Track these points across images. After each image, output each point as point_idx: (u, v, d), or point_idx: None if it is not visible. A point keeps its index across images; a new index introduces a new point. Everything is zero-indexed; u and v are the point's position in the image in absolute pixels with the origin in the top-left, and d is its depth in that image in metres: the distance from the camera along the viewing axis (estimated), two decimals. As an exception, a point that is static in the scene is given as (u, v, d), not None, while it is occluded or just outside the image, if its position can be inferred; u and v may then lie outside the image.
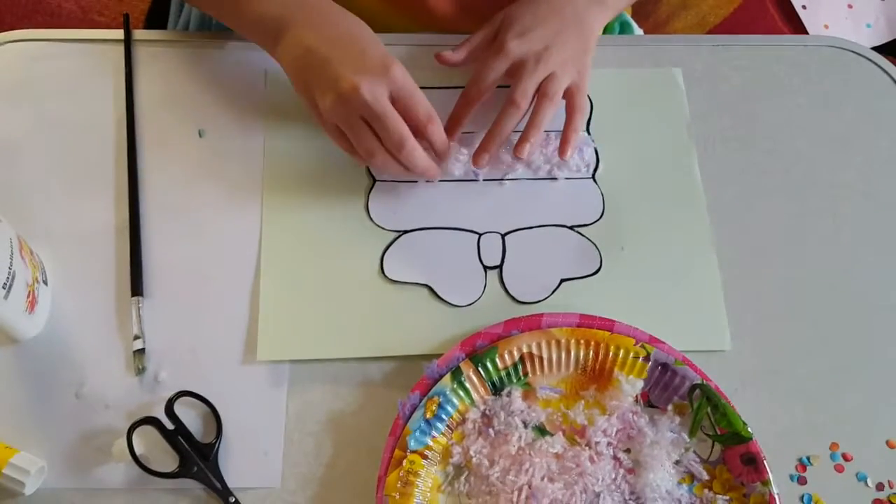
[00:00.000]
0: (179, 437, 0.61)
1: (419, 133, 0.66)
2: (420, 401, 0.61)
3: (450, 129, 0.71)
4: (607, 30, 0.88)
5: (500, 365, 0.63)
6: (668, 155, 0.75)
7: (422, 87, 0.65)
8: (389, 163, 0.66)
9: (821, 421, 0.66)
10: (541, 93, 0.69)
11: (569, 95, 0.71)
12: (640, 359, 0.64)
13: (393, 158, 0.66)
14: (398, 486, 0.59)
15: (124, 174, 0.71)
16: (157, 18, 0.96)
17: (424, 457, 0.60)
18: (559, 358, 0.64)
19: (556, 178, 0.73)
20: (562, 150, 0.71)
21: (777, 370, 0.67)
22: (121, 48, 0.76)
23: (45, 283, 0.65)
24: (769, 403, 0.66)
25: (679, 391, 0.63)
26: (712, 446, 0.62)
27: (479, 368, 0.63)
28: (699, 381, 0.63)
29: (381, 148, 0.65)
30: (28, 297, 0.61)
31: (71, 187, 0.70)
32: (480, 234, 0.70)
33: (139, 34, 0.77)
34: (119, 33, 0.77)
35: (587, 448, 0.62)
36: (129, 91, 0.74)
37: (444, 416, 0.62)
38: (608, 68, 0.78)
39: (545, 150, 0.73)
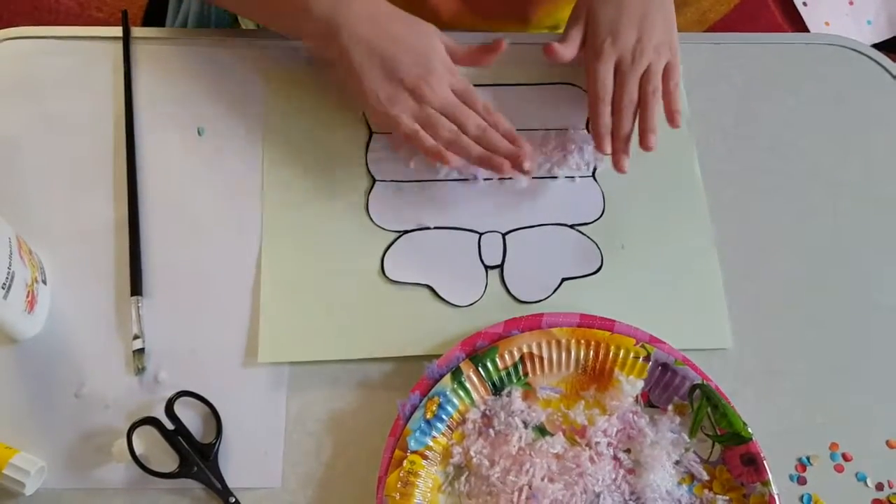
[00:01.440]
0: (179, 438, 0.61)
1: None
2: (420, 401, 0.61)
3: (612, 140, 0.71)
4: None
5: (500, 365, 0.63)
6: (669, 153, 0.75)
7: None
8: (467, 152, 0.67)
9: (821, 421, 0.66)
10: (643, 93, 0.70)
11: (665, 74, 0.71)
12: (641, 359, 0.64)
13: (467, 151, 0.67)
14: (398, 486, 0.59)
15: (123, 172, 0.70)
16: (155, 15, 0.95)
17: (425, 457, 0.60)
18: (559, 358, 0.64)
19: (556, 177, 0.73)
20: (672, 121, 0.70)
21: (777, 370, 0.67)
22: (119, 45, 0.76)
23: (45, 282, 0.65)
24: (769, 403, 0.66)
25: (679, 391, 0.63)
26: (712, 446, 0.62)
27: (480, 368, 0.63)
28: (699, 382, 0.63)
29: (457, 136, 0.67)
30: (27, 296, 0.61)
31: (70, 186, 0.70)
32: (481, 234, 0.70)
33: (138, 31, 0.77)
34: (117, 30, 0.76)
35: (587, 448, 0.62)
36: (127, 88, 0.74)
37: (444, 417, 0.62)
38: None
39: (545, 148, 0.73)
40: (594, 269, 0.70)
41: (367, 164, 0.72)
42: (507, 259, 0.69)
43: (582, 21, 0.73)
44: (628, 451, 0.63)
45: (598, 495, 0.60)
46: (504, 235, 0.70)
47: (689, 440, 0.62)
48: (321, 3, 0.66)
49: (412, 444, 0.60)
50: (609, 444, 0.62)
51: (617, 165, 0.69)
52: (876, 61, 0.82)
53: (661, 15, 0.72)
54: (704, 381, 0.63)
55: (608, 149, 0.69)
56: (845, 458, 0.65)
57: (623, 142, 0.70)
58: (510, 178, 0.72)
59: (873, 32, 1.33)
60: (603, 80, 0.70)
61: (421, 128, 0.66)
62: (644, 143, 0.69)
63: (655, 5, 0.72)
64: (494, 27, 0.83)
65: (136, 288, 0.66)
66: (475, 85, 0.70)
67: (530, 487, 0.60)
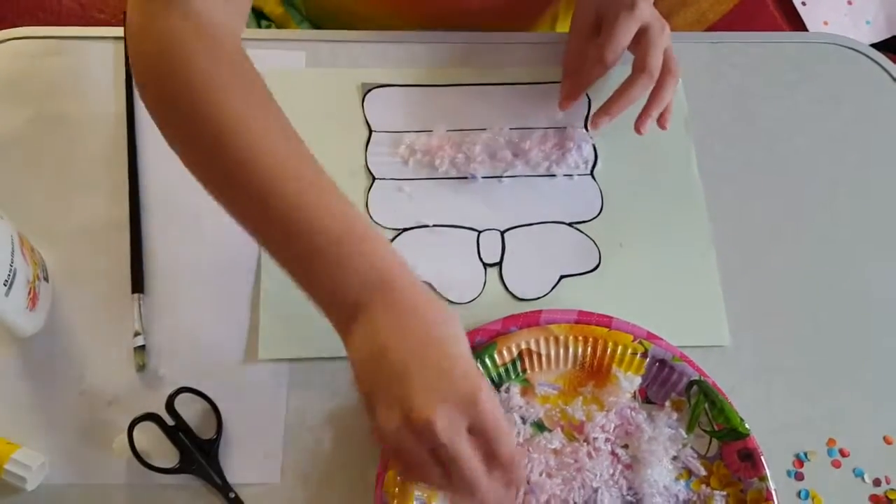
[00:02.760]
0: (180, 434, 0.61)
1: (495, 469, 0.50)
2: (419, 397, 0.62)
3: (574, 90, 0.70)
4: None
5: (498, 361, 0.64)
6: (667, 151, 0.75)
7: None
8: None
9: (818, 417, 0.66)
10: (666, 68, 0.68)
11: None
12: (638, 355, 0.64)
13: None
14: (397, 482, 0.59)
15: (124, 171, 0.71)
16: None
17: (423, 453, 0.60)
18: (557, 354, 0.64)
19: (554, 175, 0.73)
20: (663, 119, 0.70)
21: (774, 366, 0.68)
22: (121, 45, 0.76)
23: (46, 279, 0.66)
24: (767, 399, 0.66)
25: (677, 387, 0.64)
26: (710, 442, 0.63)
27: (478, 365, 0.63)
28: (697, 378, 0.63)
29: (448, 484, 0.50)
30: (29, 294, 0.62)
31: (72, 184, 0.70)
32: (480, 232, 0.70)
33: (139, 31, 0.77)
34: (119, 30, 0.76)
35: (585, 444, 0.62)
36: (128, 88, 0.74)
37: (443, 413, 0.62)
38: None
39: (544, 146, 0.73)
40: (592, 267, 0.70)
41: (366, 162, 0.72)
42: (505, 256, 0.70)
43: (590, 9, 0.72)
44: (626, 446, 0.63)
45: (595, 490, 0.61)
46: (503, 233, 0.71)
47: (686, 436, 0.63)
48: (346, 283, 0.51)
49: (411, 440, 0.60)
50: (607, 440, 0.62)
51: (593, 122, 0.70)
52: (875, 61, 0.82)
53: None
54: (702, 378, 0.63)
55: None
56: (843, 453, 0.65)
57: (619, 107, 0.69)
58: (509, 177, 0.73)
59: (872, 32, 1.33)
60: (621, 37, 0.67)
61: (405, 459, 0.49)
62: (639, 124, 0.69)
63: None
64: (495, 25, 0.83)
65: (138, 285, 0.66)
66: (475, 84, 0.70)
67: (528, 483, 0.60)
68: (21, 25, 0.77)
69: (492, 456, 0.49)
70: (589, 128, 0.71)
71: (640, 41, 0.68)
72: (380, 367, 0.49)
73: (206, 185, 0.56)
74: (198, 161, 0.56)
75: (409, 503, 0.59)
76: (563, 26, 0.91)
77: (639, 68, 0.68)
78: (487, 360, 0.63)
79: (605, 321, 0.65)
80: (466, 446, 0.48)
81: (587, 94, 0.76)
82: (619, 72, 0.70)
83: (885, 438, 0.66)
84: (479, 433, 0.48)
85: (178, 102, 0.54)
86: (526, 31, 0.88)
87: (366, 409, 0.50)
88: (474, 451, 0.48)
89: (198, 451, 0.61)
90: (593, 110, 0.76)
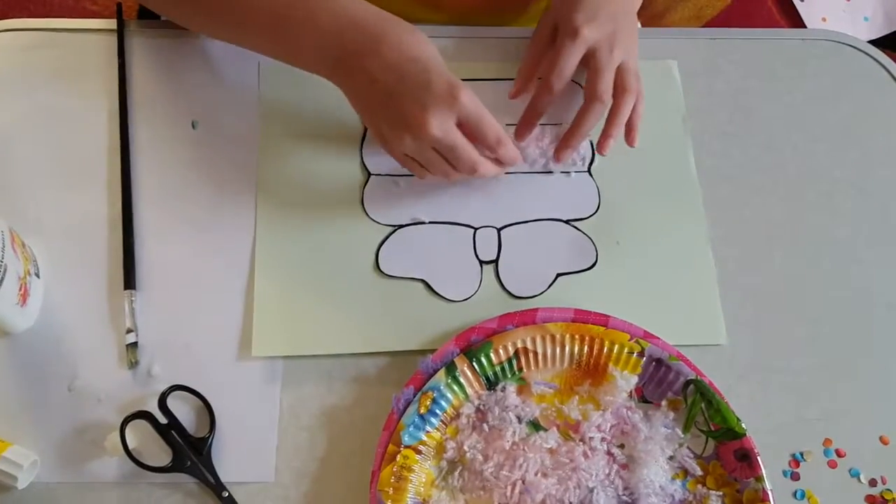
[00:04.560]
0: (172, 432, 0.61)
1: (489, 152, 0.65)
2: (414, 396, 0.61)
3: (528, 120, 0.71)
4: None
5: (494, 360, 0.63)
6: (664, 148, 0.74)
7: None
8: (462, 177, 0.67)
9: (814, 417, 0.66)
10: (620, 87, 0.68)
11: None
12: (635, 354, 0.63)
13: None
14: (392, 480, 0.59)
15: (117, 166, 0.70)
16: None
17: (418, 452, 0.60)
18: (554, 353, 0.64)
19: (551, 172, 0.73)
20: (629, 138, 0.70)
21: (771, 366, 0.67)
22: (114, 38, 0.75)
23: (38, 275, 0.65)
24: (763, 399, 0.66)
25: (673, 387, 0.63)
26: (706, 442, 0.62)
27: (474, 363, 0.63)
28: (693, 377, 0.63)
29: (454, 170, 0.65)
30: (20, 289, 0.61)
31: (63, 179, 0.70)
32: (476, 229, 0.70)
33: (132, 24, 0.76)
34: (112, 23, 0.76)
35: (581, 443, 0.62)
36: (122, 81, 0.73)
37: (438, 411, 0.62)
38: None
39: (541, 143, 0.73)
40: (589, 265, 0.69)
41: (361, 158, 0.72)
42: (501, 254, 0.69)
43: (550, 20, 0.72)
44: (622, 446, 0.63)
45: (591, 490, 0.60)
46: (499, 230, 0.70)
47: (682, 435, 0.62)
48: (323, 67, 0.64)
49: (406, 439, 0.60)
50: (603, 440, 0.62)
51: (557, 156, 0.70)
52: (873, 57, 0.82)
53: (631, 17, 0.71)
54: (698, 377, 0.63)
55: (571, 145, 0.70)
56: (839, 454, 0.65)
57: (577, 137, 0.69)
58: (506, 173, 0.72)
59: (870, 29, 1.33)
60: (564, 65, 0.68)
61: (420, 162, 0.65)
62: (600, 147, 0.69)
63: (627, 6, 0.71)
64: (484, 17, 0.83)
65: (130, 281, 0.66)
66: (469, 80, 0.70)
67: (524, 482, 0.60)
68: (12, 17, 0.76)
69: (482, 139, 0.63)
70: (554, 161, 0.71)
71: (588, 66, 0.69)
72: (373, 96, 0.62)
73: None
74: None
75: (403, 501, 0.59)
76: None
77: (588, 96, 0.68)
78: (483, 359, 0.63)
79: (602, 320, 0.65)
80: (458, 134, 0.62)
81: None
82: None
83: (881, 439, 0.66)
84: (466, 122, 0.62)
85: None
86: (515, 22, 0.87)
87: (374, 135, 0.65)
88: (466, 141, 0.62)
89: (190, 450, 0.60)
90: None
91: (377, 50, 0.61)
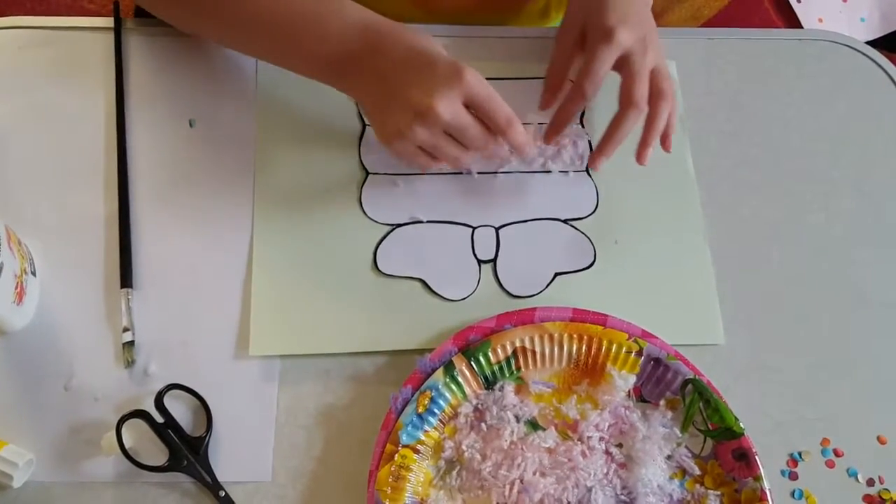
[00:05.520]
0: (169, 431, 0.60)
1: (499, 134, 0.64)
2: (412, 395, 0.61)
3: (558, 125, 0.69)
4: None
5: (492, 359, 0.63)
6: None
7: None
8: (473, 159, 0.67)
9: (812, 416, 0.66)
10: (656, 92, 0.66)
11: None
12: (633, 353, 0.63)
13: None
14: (390, 480, 0.59)
15: (114, 164, 0.70)
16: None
17: (416, 451, 0.60)
18: (552, 352, 0.64)
19: (550, 171, 0.73)
20: (665, 144, 0.69)
21: (769, 365, 0.67)
22: (111, 36, 0.75)
23: (34, 274, 0.65)
24: (761, 399, 0.66)
25: (671, 386, 0.63)
26: (704, 441, 0.62)
27: (472, 363, 0.63)
28: (691, 377, 0.63)
29: (465, 152, 0.65)
30: (16, 288, 0.61)
31: (60, 177, 0.69)
32: (474, 228, 0.70)
33: (129, 22, 0.76)
34: (109, 21, 0.76)
35: (579, 443, 0.62)
36: (119, 80, 0.73)
37: (436, 411, 0.61)
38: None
39: (539, 142, 0.72)
40: (587, 264, 0.69)
41: (360, 157, 0.72)
42: (500, 253, 0.69)
43: (576, 22, 0.70)
44: (620, 445, 0.62)
45: (589, 490, 0.60)
46: (497, 230, 0.70)
47: (680, 435, 0.62)
48: (330, 74, 0.65)
49: (404, 438, 0.60)
50: (601, 439, 0.62)
51: (592, 163, 0.68)
52: (870, 58, 0.82)
53: (653, 21, 0.70)
54: (696, 376, 0.63)
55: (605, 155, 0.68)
56: (837, 453, 0.65)
57: (613, 145, 0.67)
58: (504, 173, 0.72)
59: (867, 29, 1.33)
60: (597, 69, 0.65)
61: (425, 152, 0.65)
62: (639, 157, 0.67)
63: (649, 8, 0.70)
64: (481, 16, 0.83)
65: (127, 280, 0.65)
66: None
67: (522, 482, 0.60)
68: (9, 15, 0.76)
69: (491, 119, 0.62)
70: (589, 168, 0.70)
71: (623, 70, 0.66)
72: (383, 91, 0.62)
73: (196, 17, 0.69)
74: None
75: (401, 501, 0.58)
76: (557, 19, 0.90)
77: (625, 102, 0.66)
78: (481, 358, 0.63)
79: (600, 319, 0.65)
80: (467, 116, 0.61)
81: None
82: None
83: (878, 438, 0.66)
84: (474, 103, 0.61)
85: None
86: (509, 23, 0.87)
87: (385, 138, 0.64)
88: (476, 121, 0.62)
89: (187, 449, 0.60)
90: (586, 109, 0.75)
91: (382, 49, 0.62)
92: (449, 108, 0.60)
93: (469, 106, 0.62)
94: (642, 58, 0.66)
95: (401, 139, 0.63)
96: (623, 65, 0.66)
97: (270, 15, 0.65)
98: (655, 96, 0.66)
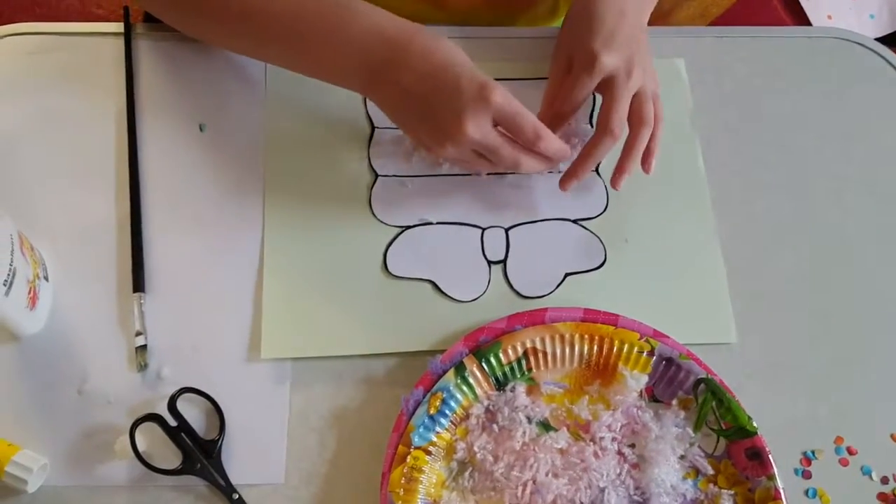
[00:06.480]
0: (182, 434, 0.61)
1: (530, 147, 0.64)
2: (423, 396, 0.61)
3: (572, 171, 0.69)
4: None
5: (503, 360, 0.63)
6: (672, 147, 0.74)
7: None
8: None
9: (825, 415, 0.66)
10: (636, 117, 0.66)
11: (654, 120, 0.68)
12: (645, 353, 0.63)
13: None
14: (402, 482, 0.59)
15: (125, 169, 0.70)
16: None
17: (428, 453, 0.60)
18: (563, 353, 0.64)
19: (559, 172, 0.72)
20: (646, 163, 0.69)
21: (782, 364, 0.67)
22: (121, 41, 0.75)
23: (47, 279, 0.65)
24: (774, 397, 0.66)
25: (684, 386, 0.63)
26: (717, 441, 0.62)
27: (483, 364, 0.63)
28: (704, 376, 0.63)
29: (499, 167, 0.65)
30: (29, 293, 0.61)
31: (71, 182, 0.70)
32: (484, 229, 0.70)
33: (139, 27, 0.77)
34: (119, 26, 0.76)
35: (592, 443, 0.62)
36: (129, 85, 0.73)
37: (447, 412, 0.61)
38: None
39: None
40: (597, 264, 0.69)
41: (369, 159, 0.72)
42: (510, 254, 0.69)
43: (563, 51, 0.70)
44: (633, 445, 0.62)
45: (602, 490, 0.60)
46: (507, 230, 0.70)
47: (693, 434, 0.62)
48: (354, 82, 0.65)
49: (416, 440, 0.60)
50: (613, 439, 0.62)
51: (562, 185, 0.68)
52: (879, 55, 0.82)
53: (643, 37, 0.69)
54: (709, 376, 0.63)
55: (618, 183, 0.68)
56: (850, 451, 0.65)
57: (585, 168, 0.67)
58: (513, 173, 0.72)
59: (876, 26, 1.33)
60: (578, 94, 0.66)
61: (463, 164, 0.68)
62: (614, 182, 0.68)
63: (639, 26, 0.69)
64: (491, 13, 0.83)
65: (139, 284, 0.66)
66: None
67: (534, 483, 0.60)
68: (18, 21, 0.76)
69: (520, 135, 0.62)
70: (561, 189, 0.69)
71: (604, 94, 0.66)
72: (408, 106, 0.63)
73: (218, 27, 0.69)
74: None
75: (414, 502, 0.58)
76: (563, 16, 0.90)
77: (600, 127, 0.65)
78: (492, 359, 0.63)
79: (612, 319, 0.65)
80: (496, 136, 0.62)
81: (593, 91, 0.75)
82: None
83: (892, 436, 0.65)
84: (502, 120, 0.61)
85: None
86: (519, 21, 0.87)
87: (413, 141, 0.69)
88: (505, 139, 0.63)
89: (200, 452, 0.60)
90: (597, 104, 0.75)
91: (406, 61, 0.61)
92: (478, 129, 0.60)
93: (497, 123, 0.62)
94: (625, 82, 0.65)
95: (433, 152, 0.65)
96: (605, 88, 0.66)
97: (291, 21, 0.64)
98: (636, 122, 0.66)
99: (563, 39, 0.72)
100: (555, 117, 0.68)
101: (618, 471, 0.61)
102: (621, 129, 0.65)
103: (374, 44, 0.62)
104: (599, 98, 0.75)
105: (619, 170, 0.67)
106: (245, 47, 0.71)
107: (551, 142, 0.63)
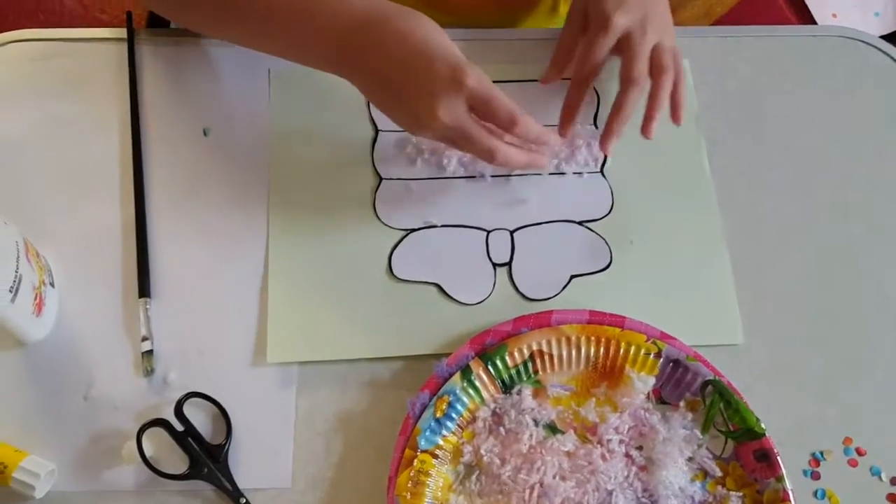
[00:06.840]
0: (189, 439, 0.61)
1: (508, 133, 0.63)
2: (430, 400, 0.61)
3: (565, 119, 0.70)
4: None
5: (510, 363, 0.63)
6: (677, 147, 0.74)
7: None
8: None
9: (834, 415, 0.65)
10: (656, 67, 0.67)
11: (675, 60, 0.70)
12: (652, 355, 0.63)
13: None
14: (409, 485, 0.59)
15: (129, 174, 0.70)
16: (159, 16, 0.95)
17: (435, 456, 0.60)
18: (570, 355, 0.64)
19: (564, 173, 0.72)
20: (675, 115, 0.69)
21: (789, 364, 0.67)
22: (124, 46, 0.75)
23: (52, 285, 0.65)
24: (782, 398, 0.65)
25: (691, 387, 0.63)
26: (725, 442, 0.62)
27: (489, 366, 0.62)
28: (711, 377, 0.62)
29: (476, 154, 0.64)
30: (35, 299, 0.61)
31: (76, 188, 0.70)
32: (489, 231, 0.70)
33: (143, 32, 0.77)
34: (122, 31, 0.76)
35: (599, 446, 0.61)
36: (133, 90, 0.73)
37: (454, 415, 0.61)
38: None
39: (556, 140, 0.72)
40: (603, 266, 0.69)
41: (373, 163, 0.72)
42: (515, 256, 0.69)
43: (580, 6, 0.72)
44: (640, 448, 0.62)
45: (610, 493, 0.60)
46: (512, 233, 0.70)
47: (701, 436, 0.62)
48: (331, 67, 0.64)
49: (422, 443, 0.60)
50: (621, 442, 0.62)
51: (603, 146, 0.69)
52: (885, 52, 0.81)
53: (662, 4, 0.71)
54: (716, 377, 0.62)
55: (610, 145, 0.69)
56: (859, 452, 0.64)
57: (620, 123, 0.68)
58: (518, 175, 0.72)
59: (881, 24, 1.32)
60: (594, 56, 0.68)
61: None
62: (645, 130, 0.68)
63: None
64: (493, 11, 0.83)
65: (144, 289, 0.66)
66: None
67: (542, 486, 0.59)
68: (22, 26, 0.76)
69: (495, 119, 0.61)
70: (603, 151, 0.70)
71: (622, 50, 0.68)
72: (383, 92, 0.62)
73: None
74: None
75: (421, 507, 0.58)
76: (564, 14, 0.90)
77: (624, 80, 0.68)
78: (499, 362, 0.63)
79: (618, 321, 0.64)
80: (470, 122, 0.61)
81: (595, 91, 0.75)
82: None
83: (901, 437, 0.65)
84: (477, 104, 0.60)
85: None
86: (524, 22, 0.87)
87: (393, 120, 0.64)
88: (480, 125, 0.61)
89: (207, 457, 0.60)
90: (602, 107, 0.75)
91: (381, 46, 0.60)
92: (449, 113, 0.59)
93: (472, 108, 0.61)
94: (641, 37, 0.67)
95: (414, 133, 0.64)
96: (622, 47, 0.68)
97: (278, 4, 0.64)
98: (656, 71, 0.68)
99: (579, 2, 0.73)
100: (575, 83, 0.70)
101: (625, 473, 0.61)
102: (645, 79, 0.67)
103: (349, 29, 0.61)
104: (602, 97, 0.75)
105: (648, 117, 0.68)
106: (236, 35, 0.70)
107: (530, 126, 0.62)
